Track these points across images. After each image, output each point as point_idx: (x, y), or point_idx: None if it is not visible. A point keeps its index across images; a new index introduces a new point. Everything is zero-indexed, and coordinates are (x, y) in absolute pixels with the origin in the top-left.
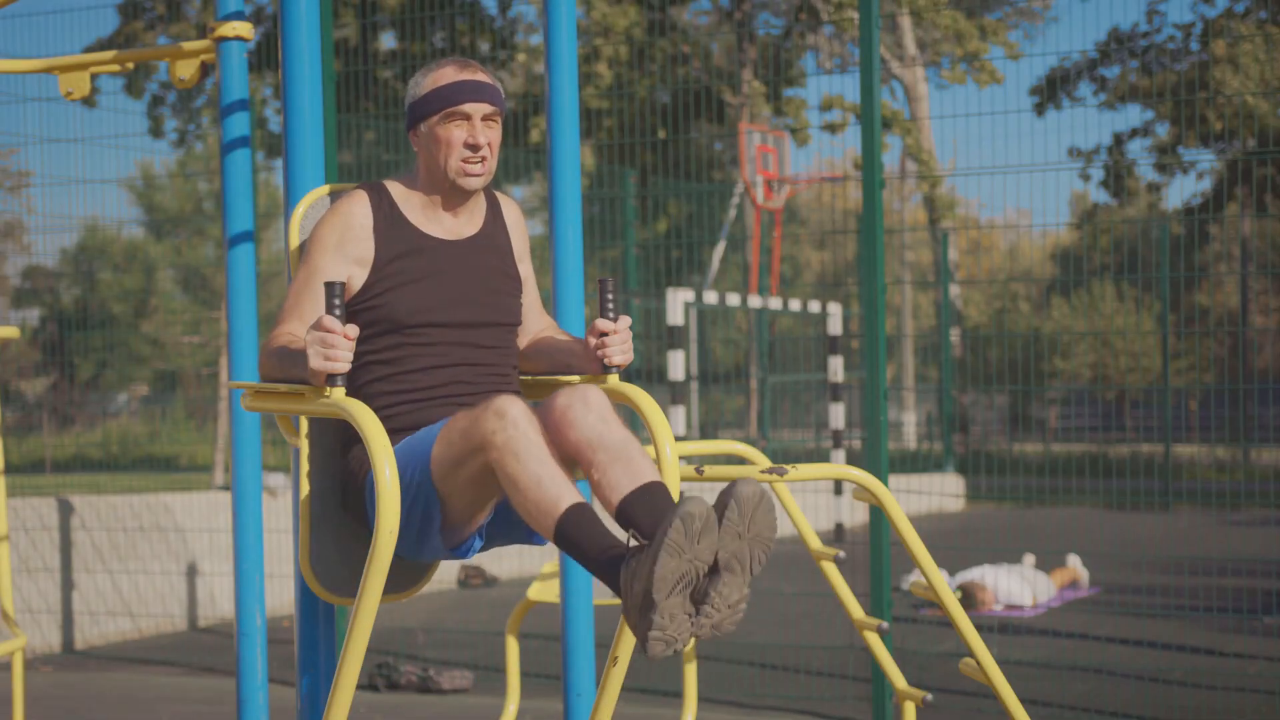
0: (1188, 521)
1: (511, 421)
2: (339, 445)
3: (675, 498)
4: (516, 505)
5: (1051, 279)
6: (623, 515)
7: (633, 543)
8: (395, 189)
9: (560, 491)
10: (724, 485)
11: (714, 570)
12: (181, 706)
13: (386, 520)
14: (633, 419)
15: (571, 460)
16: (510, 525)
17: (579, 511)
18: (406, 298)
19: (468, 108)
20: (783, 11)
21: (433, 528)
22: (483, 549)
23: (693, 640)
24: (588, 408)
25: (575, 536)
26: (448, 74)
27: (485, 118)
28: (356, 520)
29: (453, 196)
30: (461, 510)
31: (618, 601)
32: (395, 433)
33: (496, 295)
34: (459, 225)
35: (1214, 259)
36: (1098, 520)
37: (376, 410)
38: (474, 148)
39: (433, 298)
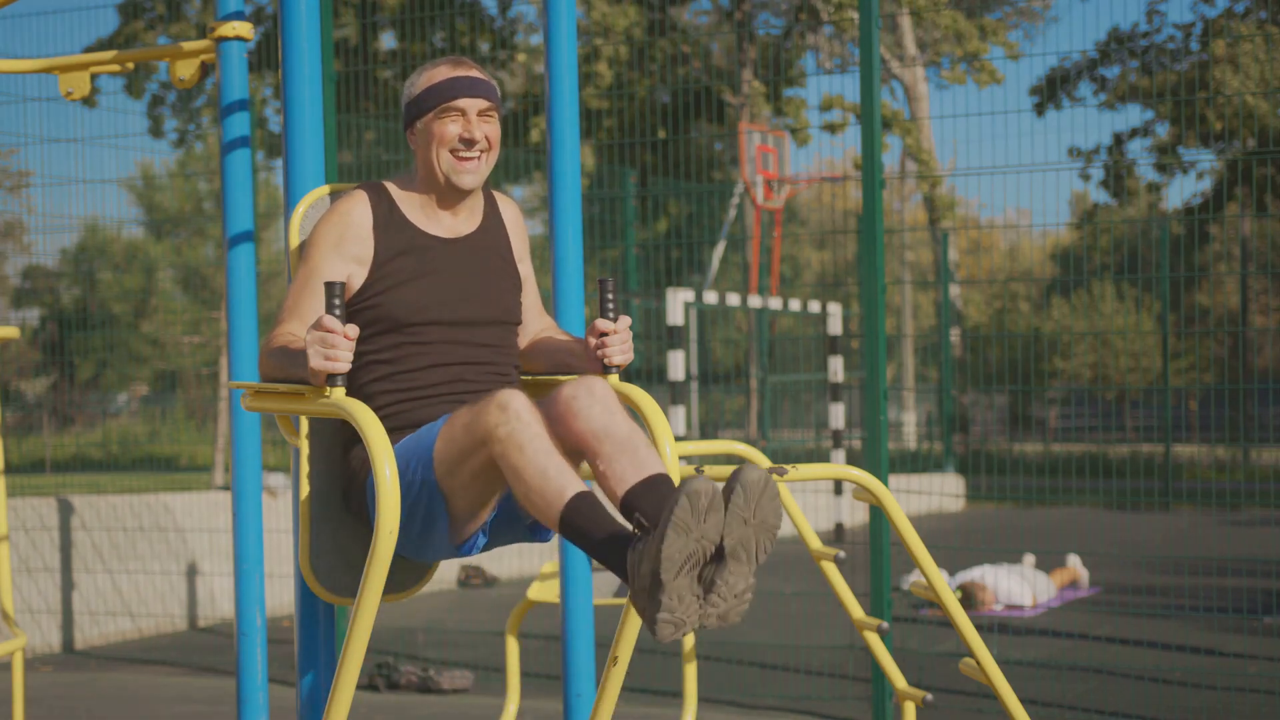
0: (1188, 521)
1: (514, 414)
2: (339, 445)
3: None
4: (520, 497)
5: (1051, 279)
6: (627, 507)
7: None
8: (394, 188)
9: (564, 481)
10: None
11: (719, 558)
12: (181, 706)
13: (386, 520)
14: (633, 419)
15: (576, 452)
16: (513, 522)
17: (583, 500)
18: (406, 296)
19: (462, 103)
20: (783, 11)
21: (437, 526)
22: (485, 548)
23: (692, 639)
24: (593, 398)
25: (580, 524)
26: (442, 71)
27: (481, 113)
28: (359, 520)
29: (449, 194)
30: (466, 506)
31: (618, 601)
32: (396, 431)
33: (496, 293)
34: (457, 223)
35: (1214, 259)
36: (1098, 520)
37: (377, 409)
38: (469, 142)
39: (432, 296)
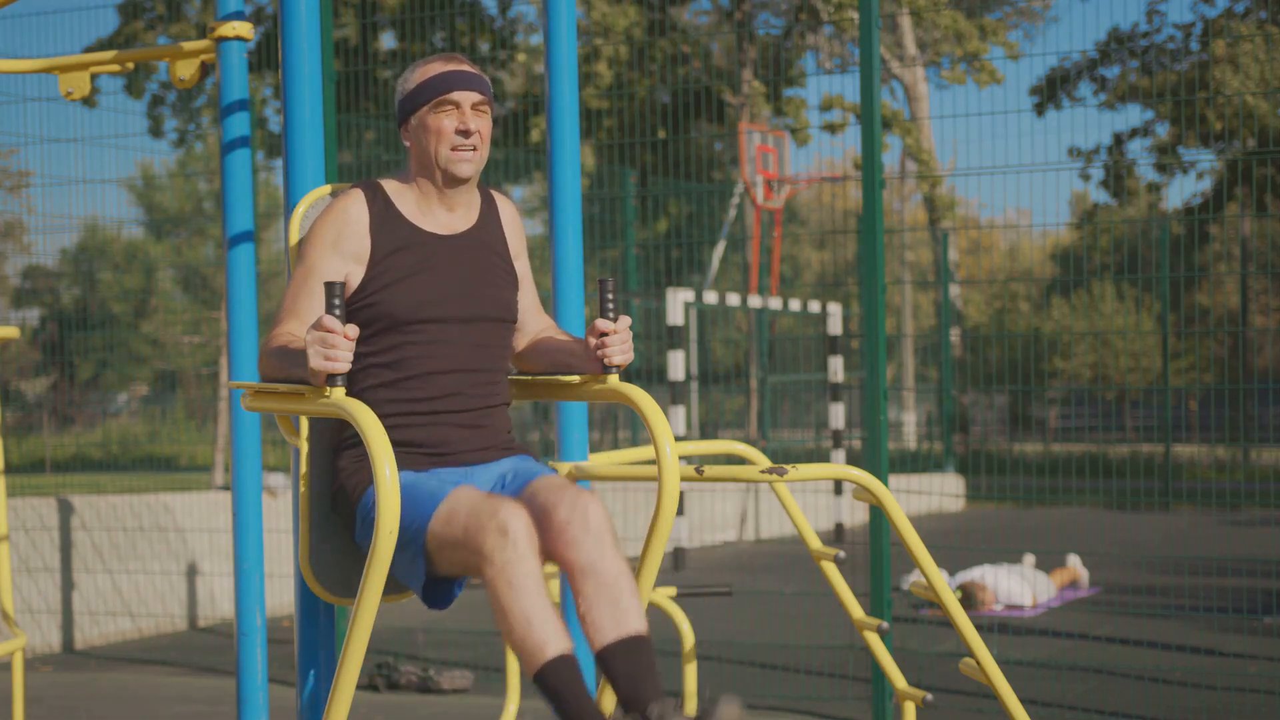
0: (1188, 521)
1: (512, 543)
2: (336, 449)
3: (673, 502)
4: (502, 631)
5: (1051, 279)
6: (603, 664)
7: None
8: (390, 186)
9: (547, 636)
10: (726, 481)
11: None
12: (181, 706)
13: (386, 520)
14: (633, 419)
15: (562, 570)
16: None
17: (562, 664)
18: (403, 293)
19: (456, 96)
20: (783, 11)
21: (415, 573)
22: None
23: (692, 639)
24: (586, 530)
25: (555, 688)
26: (435, 67)
27: (474, 106)
28: (346, 532)
29: (446, 189)
30: (447, 572)
31: None
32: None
33: (493, 289)
34: (454, 220)
35: (1214, 259)
36: (1098, 520)
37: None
38: (465, 133)
39: (429, 292)
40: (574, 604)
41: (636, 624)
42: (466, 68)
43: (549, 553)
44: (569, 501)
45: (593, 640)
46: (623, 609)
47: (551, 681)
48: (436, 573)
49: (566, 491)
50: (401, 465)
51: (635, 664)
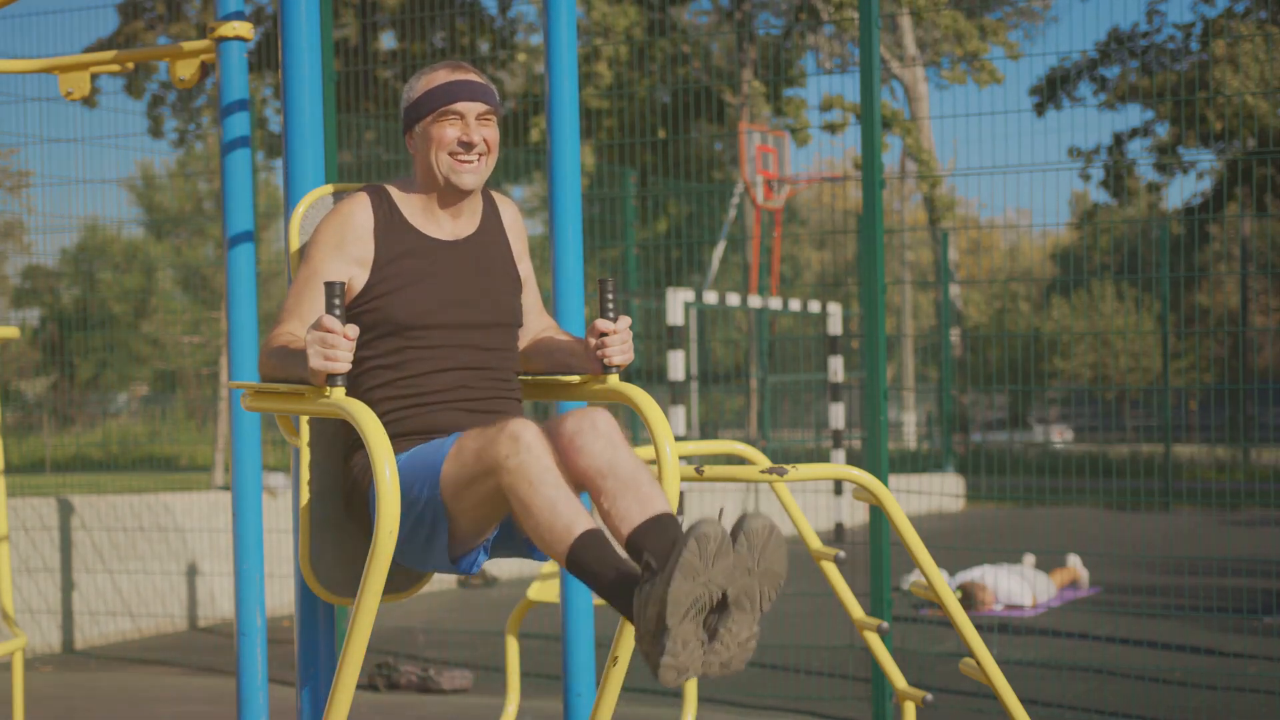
0: (1188, 521)
1: (525, 446)
2: (340, 446)
3: (674, 500)
4: (529, 530)
5: (1051, 279)
6: (633, 546)
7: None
8: (395, 191)
9: (573, 518)
10: (726, 481)
11: (724, 606)
12: (181, 706)
13: (386, 520)
14: (633, 419)
15: (580, 487)
16: (512, 538)
17: (591, 538)
18: (406, 299)
19: (460, 106)
20: (783, 11)
21: (438, 542)
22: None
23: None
24: (596, 433)
25: (587, 562)
26: (440, 76)
27: (480, 116)
28: (361, 528)
29: (449, 196)
30: (469, 526)
31: None
32: (398, 438)
33: (496, 295)
34: (457, 226)
35: (1214, 259)
36: (1098, 520)
37: (380, 415)
38: (468, 145)
39: (433, 299)
40: (597, 510)
41: (662, 505)
42: (472, 77)
43: (564, 470)
44: (575, 416)
45: (620, 531)
46: (645, 494)
47: (583, 558)
48: (460, 534)
49: (572, 410)
50: (404, 449)
51: (666, 534)
